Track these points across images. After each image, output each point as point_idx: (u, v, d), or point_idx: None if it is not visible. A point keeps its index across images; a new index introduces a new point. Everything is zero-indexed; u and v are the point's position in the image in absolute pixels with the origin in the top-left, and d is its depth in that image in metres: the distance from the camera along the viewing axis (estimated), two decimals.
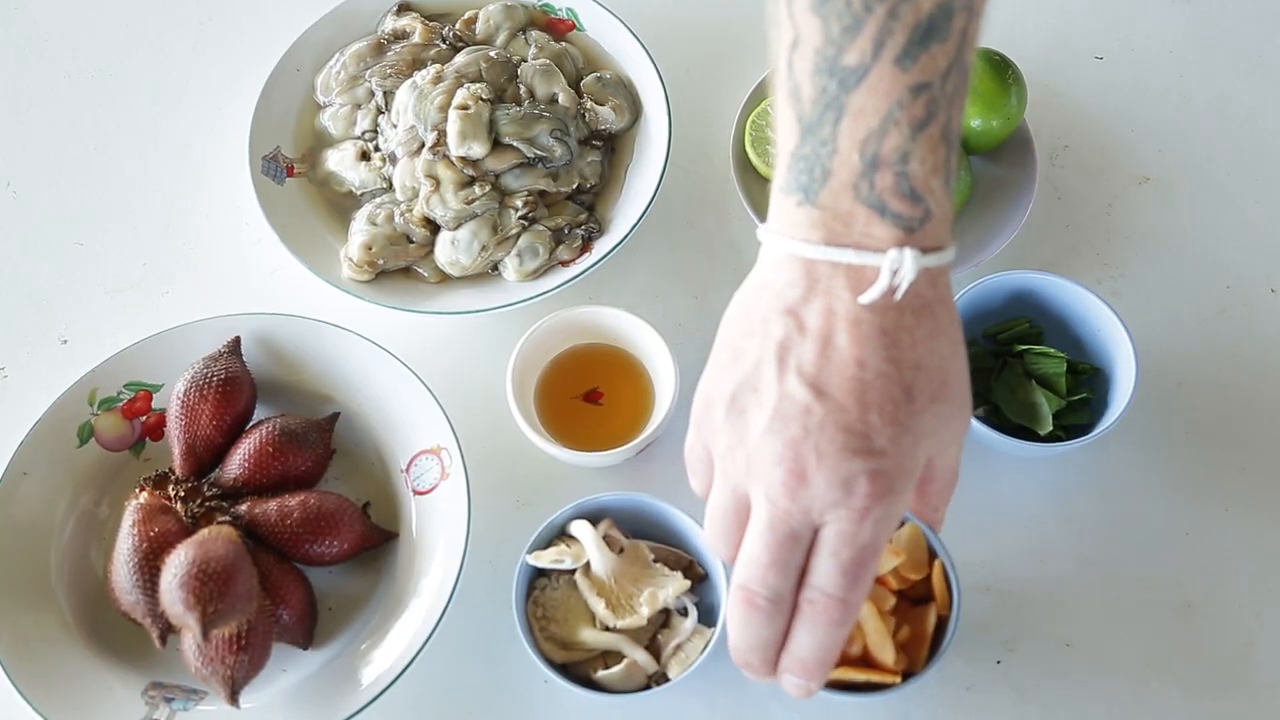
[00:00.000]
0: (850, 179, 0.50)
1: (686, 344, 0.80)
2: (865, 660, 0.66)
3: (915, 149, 0.49)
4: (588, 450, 0.77)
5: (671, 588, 0.71)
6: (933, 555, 0.68)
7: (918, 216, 0.50)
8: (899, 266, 0.49)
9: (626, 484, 0.80)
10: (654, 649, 0.72)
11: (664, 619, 0.73)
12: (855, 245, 0.50)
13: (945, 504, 0.59)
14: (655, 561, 0.73)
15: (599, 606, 0.71)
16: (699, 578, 0.74)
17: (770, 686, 0.74)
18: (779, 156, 0.53)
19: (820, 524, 0.50)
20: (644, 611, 0.70)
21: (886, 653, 0.64)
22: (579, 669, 0.71)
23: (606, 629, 0.71)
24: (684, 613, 0.72)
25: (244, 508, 0.74)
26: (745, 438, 0.51)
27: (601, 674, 0.70)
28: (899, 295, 0.49)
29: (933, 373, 0.50)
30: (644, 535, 0.75)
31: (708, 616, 0.72)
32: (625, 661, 0.70)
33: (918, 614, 0.67)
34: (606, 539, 0.73)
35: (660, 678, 0.71)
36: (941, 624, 0.67)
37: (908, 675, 0.65)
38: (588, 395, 0.82)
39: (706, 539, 0.55)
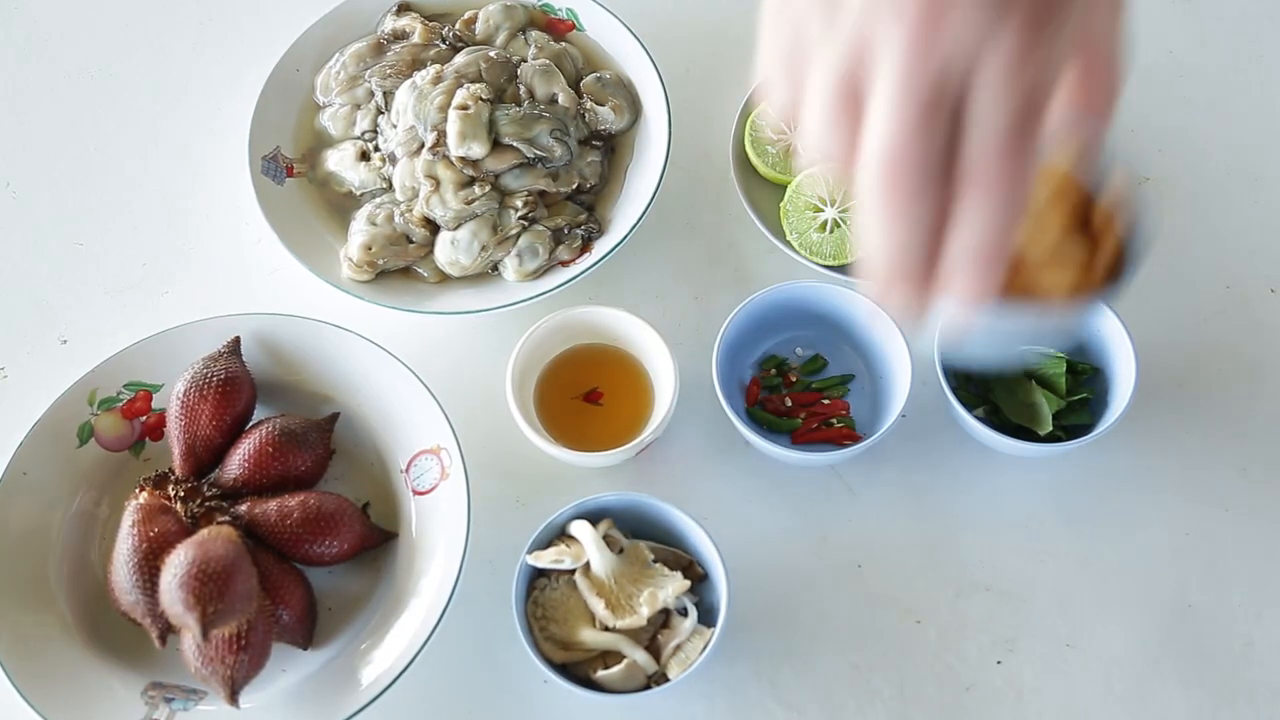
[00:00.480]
0: None
1: (686, 344, 0.80)
2: (1026, 284, 0.50)
3: None
4: (588, 450, 0.76)
5: (671, 588, 0.71)
6: (1103, 170, 0.52)
7: None
8: None
9: (626, 484, 0.80)
10: (654, 649, 0.72)
11: (664, 619, 0.73)
12: None
13: (1115, 95, 0.48)
14: (655, 561, 0.73)
15: (599, 606, 0.71)
16: (699, 578, 0.74)
17: (770, 686, 0.74)
18: None
19: (969, 76, 0.40)
20: (644, 611, 0.70)
21: (1062, 264, 0.50)
22: (579, 669, 0.71)
23: (606, 629, 0.71)
24: (684, 613, 0.72)
25: (244, 508, 0.74)
26: None
27: (601, 674, 0.70)
28: None
29: None
30: (644, 535, 0.75)
31: (708, 616, 0.72)
32: (625, 662, 0.70)
33: (1090, 242, 0.51)
34: (606, 539, 0.73)
35: (660, 678, 0.71)
36: (1121, 251, 0.51)
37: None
38: (588, 395, 0.82)
39: (808, 145, 0.43)
